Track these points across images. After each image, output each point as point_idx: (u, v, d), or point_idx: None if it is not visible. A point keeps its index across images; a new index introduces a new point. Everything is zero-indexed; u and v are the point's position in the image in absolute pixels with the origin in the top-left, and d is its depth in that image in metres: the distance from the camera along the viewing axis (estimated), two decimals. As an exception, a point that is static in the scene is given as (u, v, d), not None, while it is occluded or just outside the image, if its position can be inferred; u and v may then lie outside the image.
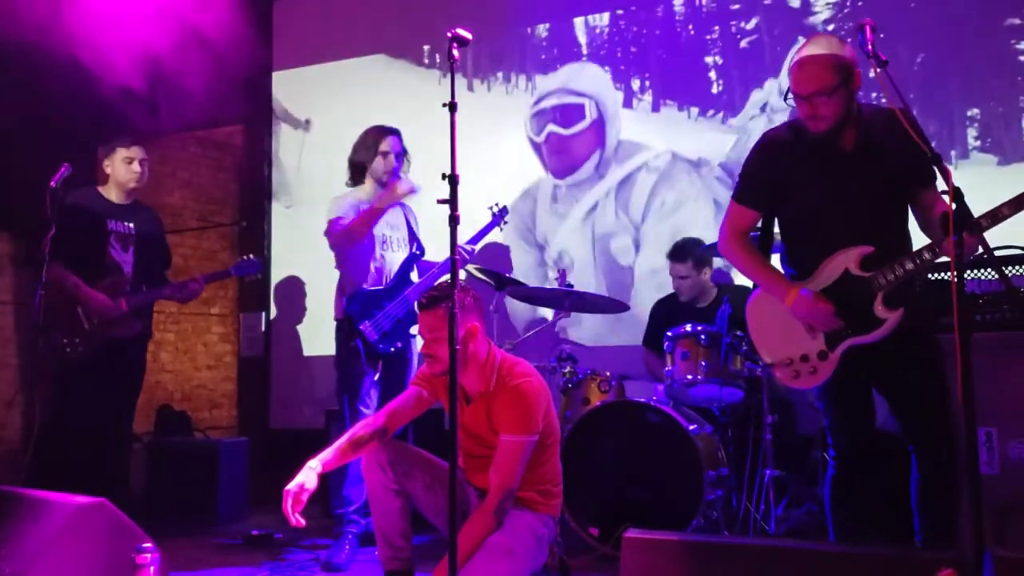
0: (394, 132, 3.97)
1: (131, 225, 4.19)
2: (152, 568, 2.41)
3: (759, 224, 2.83)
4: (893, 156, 2.55)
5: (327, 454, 2.81)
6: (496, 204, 4.20)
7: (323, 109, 5.93)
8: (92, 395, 3.98)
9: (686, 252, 4.19)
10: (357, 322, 3.76)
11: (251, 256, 4.50)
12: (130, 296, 4.06)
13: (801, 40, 3.02)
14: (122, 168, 4.16)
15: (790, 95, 2.57)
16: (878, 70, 2.38)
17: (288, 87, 6.11)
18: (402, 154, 3.96)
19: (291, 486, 2.69)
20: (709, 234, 4.22)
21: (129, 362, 4.18)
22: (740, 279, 4.56)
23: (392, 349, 3.82)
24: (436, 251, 4.07)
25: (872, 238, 2.57)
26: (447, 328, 2.63)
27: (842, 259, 2.58)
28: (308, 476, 2.72)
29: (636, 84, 5.08)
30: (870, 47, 2.40)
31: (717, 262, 4.34)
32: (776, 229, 2.86)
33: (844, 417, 2.67)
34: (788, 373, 2.64)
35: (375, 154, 3.91)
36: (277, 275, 6.01)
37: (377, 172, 3.92)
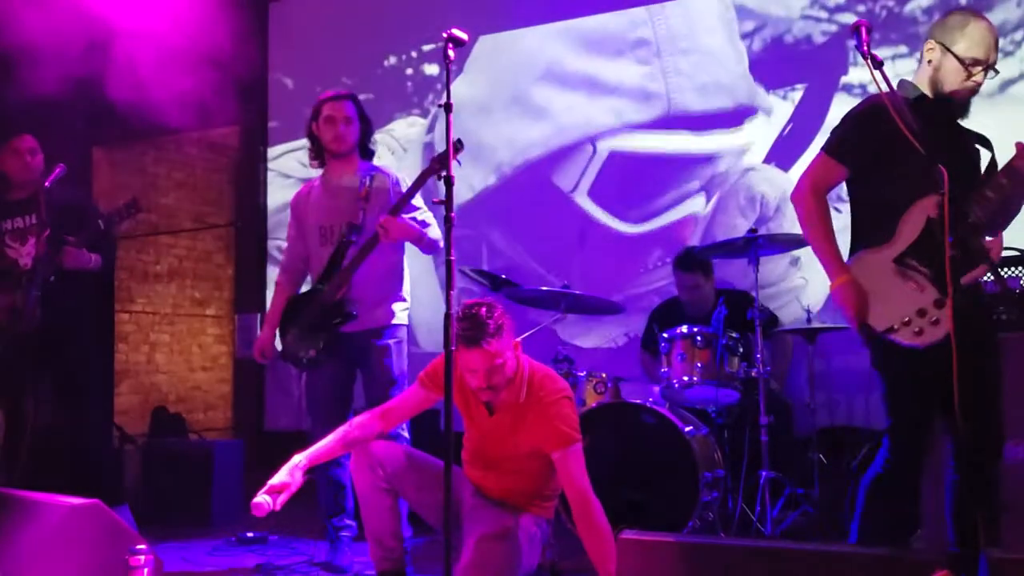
0: (343, 97, 3.62)
1: (30, 218, 4.10)
2: (146, 570, 2.40)
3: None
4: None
5: (315, 451, 2.80)
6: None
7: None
8: (31, 397, 3.98)
9: (696, 263, 4.13)
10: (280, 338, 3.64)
11: (124, 201, 4.07)
12: (25, 287, 3.96)
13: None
14: (11, 161, 4.11)
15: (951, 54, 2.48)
16: (875, 71, 2.38)
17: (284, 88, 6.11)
18: (355, 119, 3.59)
19: (274, 482, 2.66)
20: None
21: (49, 355, 4.05)
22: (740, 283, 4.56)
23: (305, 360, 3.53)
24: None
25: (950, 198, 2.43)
26: (505, 354, 2.64)
27: (918, 211, 2.46)
28: (293, 473, 2.69)
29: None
30: (865, 48, 2.40)
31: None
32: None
33: (913, 418, 2.53)
34: (909, 333, 2.44)
35: (319, 121, 3.60)
36: (273, 276, 6.00)
37: (325, 140, 3.59)
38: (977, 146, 2.54)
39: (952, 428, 2.53)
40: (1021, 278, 3.00)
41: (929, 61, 2.54)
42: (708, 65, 4.88)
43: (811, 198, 2.58)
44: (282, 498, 2.63)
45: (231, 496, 4.85)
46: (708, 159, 4.85)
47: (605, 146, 5.08)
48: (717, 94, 4.85)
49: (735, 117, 4.81)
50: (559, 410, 2.70)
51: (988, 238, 2.48)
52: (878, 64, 2.38)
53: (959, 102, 2.52)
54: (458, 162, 3.24)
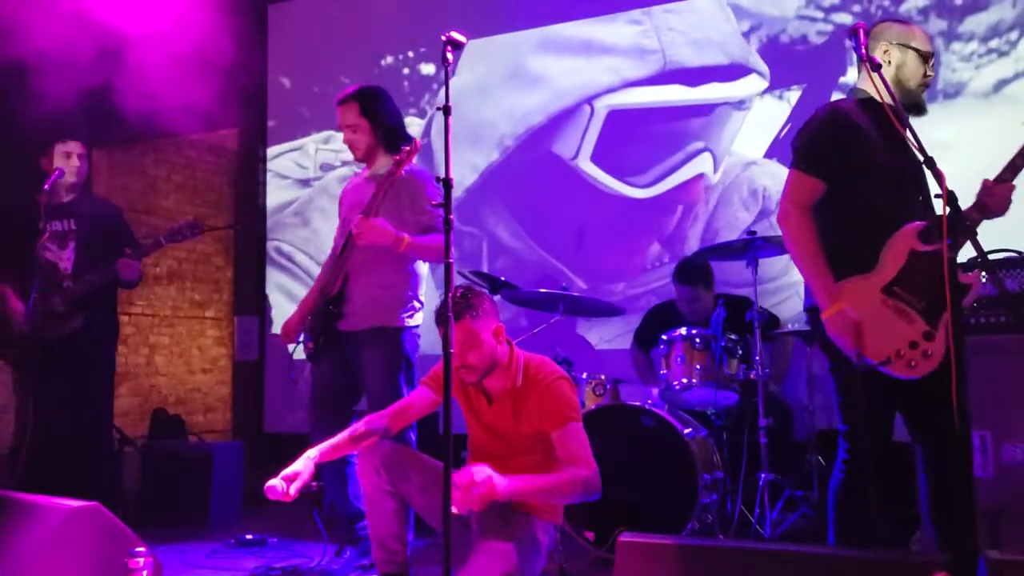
0: (345, 101, 3.52)
1: (70, 222, 4.15)
2: (145, 572, 2.40)
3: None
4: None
5: (326, 445, 2.81)
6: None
7: (318, 109, 5.94)
8: (49, 398, 3.98)
9: (697, 276, 4.11)
10: None
11: (189, 219, 4.17)
12: (64, 292, 4.03)
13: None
14: (62, 163, 4.14)
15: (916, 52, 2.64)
16: (872, 73, 2.39)
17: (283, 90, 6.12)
18: (361, 123, 3.50)
19: (287, 472, 2.67)
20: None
21: (78, 359, 4.09)
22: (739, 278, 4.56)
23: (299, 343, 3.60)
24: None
25: (925, 215, 2.53)
26: (480, 336, 2.71)
27: (901, 241, 2.51)
28: (305, 464, 2.71)
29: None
30: (863, 50, 2.41)
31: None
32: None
33: (872, 422, 2.57)
34: (902, 365, 2.49)
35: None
36: (272, 278, 6.01)
37: None
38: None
39: (918, 433, 2.57)
40: (1019, 280, 3.00)
41: (889, 62, 2.62)
42: (699, 23, 4.92)
43: (796, 216, 2.60)
44: (296, 486, 2.64)
45: (230, 498, 4.85)
46: (708, 109, 4.83)
47: (603, 104, 5.06)
48: (710, 49, 4.87)
49: (731, 72, 4.82)
50: (557, 390, 2.73)
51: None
52: (876, 67, 2.39)
53: (919, 98, 2.65)
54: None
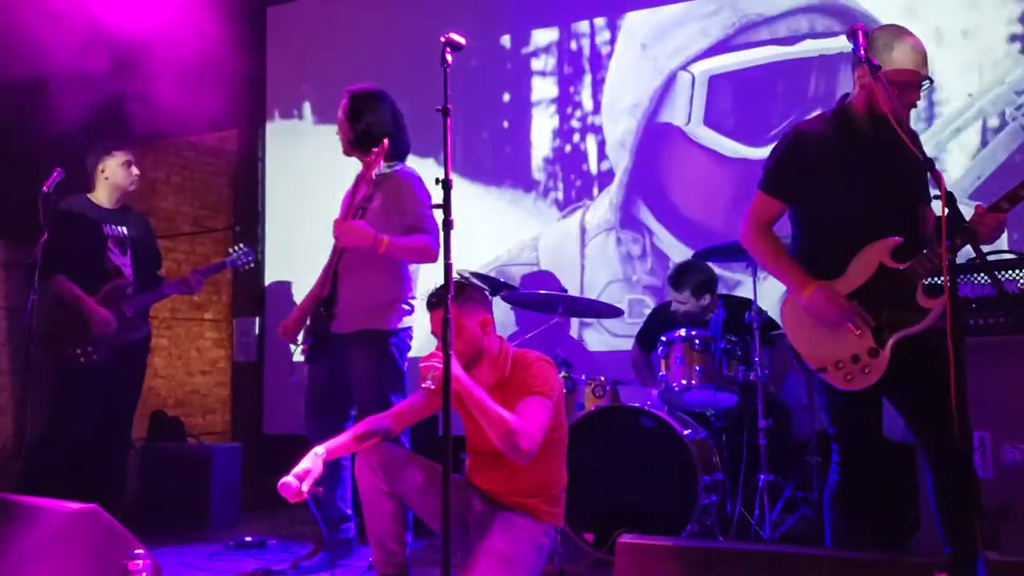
0: (344, 97, 3.64)
1: (124, 229, 4.22)
2: (144, 574, 2.40)
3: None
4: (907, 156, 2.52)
5: (331, 444, 2.82)
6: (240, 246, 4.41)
7: (317, 111, 5.94)
8: (101, 400, 4.02)
9: (684, 281, 4.09)
10: None
11: (242, 246, 4.49)
12: (133, 299, 4.12)
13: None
14: (121, 172, 4.21)
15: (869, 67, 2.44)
16: (871, 75, 2.39)
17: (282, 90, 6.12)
18: (344, 119, 3.61)
19: (297, 470, 2.67)
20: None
21: (135, 365, 4.26)
22: (740, 290, 4.56)
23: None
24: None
25: (899, 232, 2.53)
26: (463, 322, 2.76)
27: (873, 254, 2.52)
28: (314, 462, 2.72)
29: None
30: (863, 52, 2.41)
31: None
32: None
33: (854, 422, 2.60)
34: (839, 376, 2.53)
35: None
36: (271, 280, 6.00)
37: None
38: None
39: (919, 434, 2.56)
40: (1018, 282, 3.01)
41: (863, 86, 2.56)
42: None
43: (753, 236, 2.69)
44: (307, 483, 2.65)
45: (230, 500, 4.85)
46: (815, 63, 4.63)
47: (700, 70, 4.88)
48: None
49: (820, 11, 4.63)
50: (537, 369, 2.79)
51: None
52: (875, 68, 2.39)
53: (897, 119, 2.46)
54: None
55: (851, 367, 2.51)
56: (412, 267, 3.59)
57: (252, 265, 4.65)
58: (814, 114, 2.63)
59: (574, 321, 4.96)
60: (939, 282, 2.46)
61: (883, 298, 2.50)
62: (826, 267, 2.57)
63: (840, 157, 2.57)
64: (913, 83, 2.50)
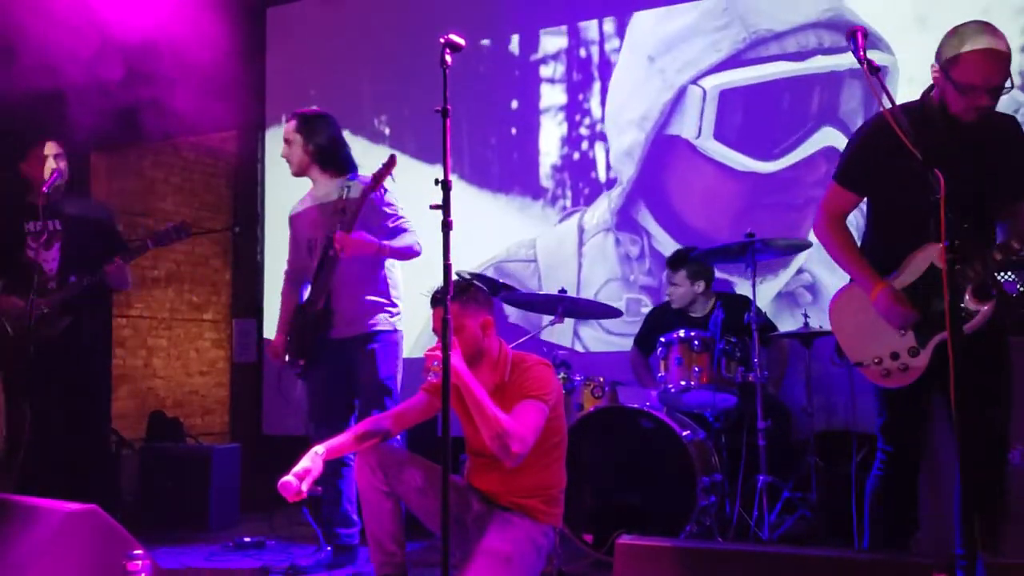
0: (289, 118, 3.81)
1: (55, 222, 4.11)
2: (143, 575, 2.40)
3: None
4: (995, 157, 2.51)
5: (331, 443, 2.83)
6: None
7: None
8: (44, 401, 3.96)
9: (680, 262, 4.19)
10: None
11: (176, 222, 4.24)
12: (52, 293, 4.01)
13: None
14: (35, 166, 4.13)
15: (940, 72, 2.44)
16: (871, 76, 2.39)
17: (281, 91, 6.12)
18: (293, 140, 3.77)
19: (297, 469, 2.68)
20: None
21: (74, 362, 4.08)
22: (740, 288, 4.56)
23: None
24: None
25: (962, 232, 2.45)
26: (464, 321, 2.77)
27: (929, 253, 2.52)
28: (314, 461, 2.72)
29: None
30: (862, 53, 2.41)
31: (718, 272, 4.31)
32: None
33: (904, 416, 2.58)
34: (878, 372, 2.53)
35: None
36: (270, 280, 5.99)
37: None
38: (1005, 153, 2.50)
39: (960, 433, 2.54)
40: (1018, 283, 3.00)
41: (935, 82, 2.54)
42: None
43: (826, 227, 2.68)
44: (307, 482, 2.66)
45: (229, 501, 4.85)
46: (823, 78, 4.63)
47: (711, 84, 4.90)
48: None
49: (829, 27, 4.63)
50: (535, 372, 2.80)
51: None
52: (875, 70, 2.38)
53: (968, 120, 2.46)
54: (392, 177, 3.39)
55: (890, 364, 2.52)
56: (395, 268, 3.74)
57: (186, 237, 4.35)
58: (895, 104, 2.52)
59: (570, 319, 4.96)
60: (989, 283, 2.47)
61: (929, 298, 2.49)
62: (887, 261, 2.58)
63: (909, 152, 2.53)
64: (979, 87, 2.43)
